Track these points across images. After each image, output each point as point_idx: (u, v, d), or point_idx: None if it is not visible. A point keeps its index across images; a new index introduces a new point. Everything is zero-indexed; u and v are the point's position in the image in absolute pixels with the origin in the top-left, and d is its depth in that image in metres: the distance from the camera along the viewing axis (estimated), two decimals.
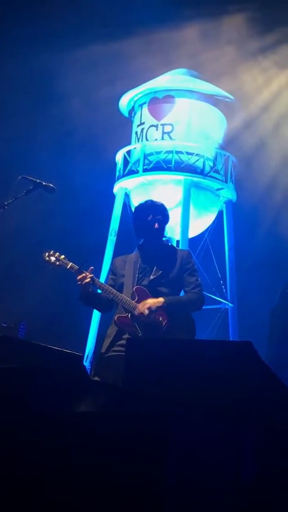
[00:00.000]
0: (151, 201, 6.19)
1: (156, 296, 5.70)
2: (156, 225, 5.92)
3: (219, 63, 12.53)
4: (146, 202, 6.21)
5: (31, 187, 5.62)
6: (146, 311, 5.57)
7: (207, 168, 12.20)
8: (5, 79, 12.86)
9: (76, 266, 5.60)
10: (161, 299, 5.63)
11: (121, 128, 13.40)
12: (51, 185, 5.81)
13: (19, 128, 12.59)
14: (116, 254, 11.20)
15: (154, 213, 6.00)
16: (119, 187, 12.76)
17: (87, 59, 12.21)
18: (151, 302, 5.63)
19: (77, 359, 3.49)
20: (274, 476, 2.74)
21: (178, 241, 11.67)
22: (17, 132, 12.62)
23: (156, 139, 12.48)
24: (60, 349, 3.34)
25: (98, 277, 6.30)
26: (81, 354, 3.84)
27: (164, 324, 5.68)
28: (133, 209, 9.20)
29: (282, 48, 12.02)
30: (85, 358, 11.31)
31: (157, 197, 7.90)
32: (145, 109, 12.85)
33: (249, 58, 12.22)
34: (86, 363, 10.88)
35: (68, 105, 12.36)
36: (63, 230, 12.00)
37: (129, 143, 12.99)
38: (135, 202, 11.81)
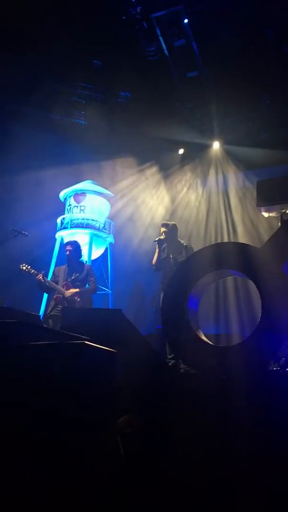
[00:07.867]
0: (73, 241, 8.17)
1: (74, 288, 7.38)
2: (67, 253, 7.78)
3: (110, 174, 16.05)
4: (69, 241, 7.88)
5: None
6: (69, 294, 7.24)
7: (101, 227, 15.96)
8: None
9: (36, 272, 7.35)
10: (76, 290, 7.30)
11: (58, 207, 16.23)
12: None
13: None
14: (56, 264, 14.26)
15: (66, 246, 7.80)
16: (59, 235, 15.98)
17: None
18: (72, 290, 7.29)
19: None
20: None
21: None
22: None
23: (77, 213, 15.95)
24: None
25: (48, 277, 8.35)
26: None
27: (77, 299, 7.21)
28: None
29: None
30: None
31: (78, 240, 9.91)
32: (71, 197, 16.18)
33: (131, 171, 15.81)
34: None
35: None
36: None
37: (63, 214, 16.22)
38: (66, 240, 13.99)
